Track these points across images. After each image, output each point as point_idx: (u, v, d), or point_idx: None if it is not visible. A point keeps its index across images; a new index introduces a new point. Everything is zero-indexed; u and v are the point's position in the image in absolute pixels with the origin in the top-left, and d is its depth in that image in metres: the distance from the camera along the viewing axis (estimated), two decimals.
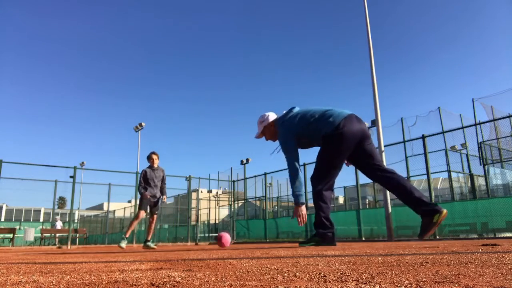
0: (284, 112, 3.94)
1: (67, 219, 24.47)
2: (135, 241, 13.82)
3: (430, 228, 3.28)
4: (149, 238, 6.87)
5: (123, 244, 6.31)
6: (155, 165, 7.00)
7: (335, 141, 3.52)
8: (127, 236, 6.60)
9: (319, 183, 3.70)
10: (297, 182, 3.73)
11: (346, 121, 3.53)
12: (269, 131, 4.01)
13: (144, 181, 6.84)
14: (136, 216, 6.86)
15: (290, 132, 3.75)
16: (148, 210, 6.95)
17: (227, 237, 4.28)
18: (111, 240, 20.65)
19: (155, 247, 6.74)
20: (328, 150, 3.62)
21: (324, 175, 3.70)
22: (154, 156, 7.04)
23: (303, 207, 3.77)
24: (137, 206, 6.98)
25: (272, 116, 4.01)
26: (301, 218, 3.76)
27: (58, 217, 18.67)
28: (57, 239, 17.25)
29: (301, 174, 3.79)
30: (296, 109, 3.87)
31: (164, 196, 7.11)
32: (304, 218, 3.76)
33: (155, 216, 7.06)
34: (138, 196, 7.00)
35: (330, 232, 3.70)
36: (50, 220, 21.68)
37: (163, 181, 7.11)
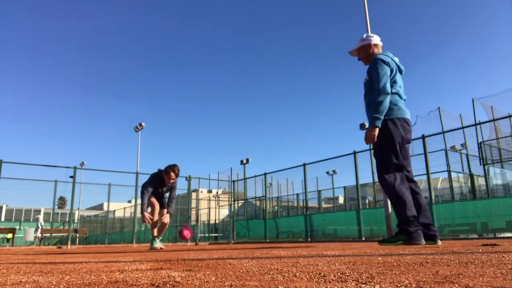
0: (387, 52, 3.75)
1: (67, 219, 24.47)
2: (135, 241, 13.82)
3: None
4: (158, 236, 5.92)
5: (156, 245, 5.73)
6: (169, 183, 5.76)
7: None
8: (155, 235, 5.83)
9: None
10: (384, 105, 3.39)
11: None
12: (365, 51, 3.79)
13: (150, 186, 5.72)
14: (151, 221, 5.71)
15: (385, 61, 3.53)
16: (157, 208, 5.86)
17: (186, 232, 4.39)
18: (111, 240, 20.66)
19: (163, 247, 5.93)
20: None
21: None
22: (172, 174, 5.64)
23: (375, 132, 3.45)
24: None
25: (375, 40, 3.81)
26: (371, 140, 3.45)
27: (39, 216, 18.56)
28: (38, 239, 17.06)
29: (389, 99, 3.44)
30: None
31: (167, 215, 5.83)
32: (374, 140, 3.45)
33: (164, 211, 5.85)
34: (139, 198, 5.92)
35: (419, 229, 3.33)
36: (50, 220, 21.67)
37: (171, 194, 5.96)
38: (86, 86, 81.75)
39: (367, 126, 3.59)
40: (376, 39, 3.81)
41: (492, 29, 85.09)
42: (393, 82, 3.52)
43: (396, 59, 3.70)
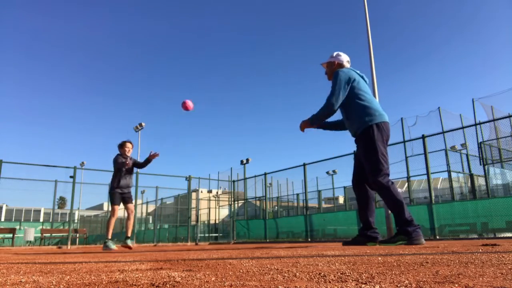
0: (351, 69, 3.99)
1: (67, 219, 24.47)
2: (135, 241, 13.81)
3: (357, 245, 3.67)
4: (128, 235, 6.24)
5: (111, 245, 5.91)
6: (129, 154, 6.32)
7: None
8: (109, 237, 6.12)
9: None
10: (326, 111, 3.73)
11: None
12: (330, 68, 4.04)
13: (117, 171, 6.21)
14: (111, 213, 6.24)
15: (347, 76, 3.77)
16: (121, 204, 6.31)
17: (188, 103, 4.58)
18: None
19: (132, 245, 6.16)
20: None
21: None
22: (129, 145, 6.33)
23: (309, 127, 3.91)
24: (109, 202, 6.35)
25: (342, 59, 4.04)
26: (302, 129, 3.89)
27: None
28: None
29: (332, 110, 3.74)
30: (358, 81, 3.87)
31: (130, 205, 6.29)
32: (303, 128, 3.89)
33: (130, 206, 6.27)
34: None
35: (418, 229, 3.43)
36: (50, 220, 21.67)
37: (136, 164, 6.46)
38: (86, 86, 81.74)
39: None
40: (343, 59, 4.04)
41: (492, 29, 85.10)
42: (362, 90, 3.77)
43: (358, 71, 3.97)
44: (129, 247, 5.90)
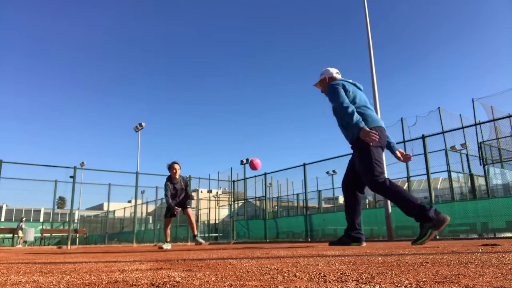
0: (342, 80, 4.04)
1: (67, 219, 24.47)
2: (135, 241, 13.82)
3: (342, 245, 3.86)
4: (195, 233, 6.75)
5: (167, 246, 6.20)
6: (177, 176, 6.61)
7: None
8: (168, 240, 6.47)
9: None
10: (354, 114, 3.61)
11: None
12: (323, 85, 4.11)
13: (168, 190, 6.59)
14: (165, 223, 6.71)
15: (340, 85, 3.84)
16: (178, 211, 6.67)
17: (256, 162, 4.73)
18: (111, 240, 20.65)
19: (202, 241, 6.61)
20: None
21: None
22: (176, 166, 6.63)
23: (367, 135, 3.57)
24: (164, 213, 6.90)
25: (331, 72, 4.12)
26: (373, 137, 3.48)
27: (23, 222, 18.36)
28: (21, 240, 16.79)
29: (348, 107, 3.67)
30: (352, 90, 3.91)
31: (188, 209, 6.78)
32: (376, 137, 3.52)
33: (189, 211, 6.74)
34: (162, 200, 6.70)
35: (432, 208, 3.38)
36: (50, 220, 21.67)
37: (186, 189, 6.82)
38: (86, 86, 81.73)
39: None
40: (331, 72, 4.14)
41: (492, 29, 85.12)
42: (355, 98, 3.82)
43: (350, 80, 4.04)
44: (200, 243, 6.44)
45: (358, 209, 4.03)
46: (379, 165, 3.61)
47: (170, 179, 6.57)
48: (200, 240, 6.51)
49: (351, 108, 3.67)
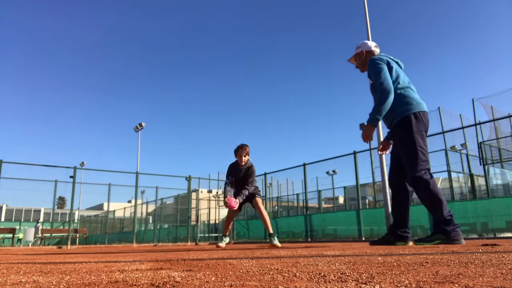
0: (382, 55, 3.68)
1: (67, 219, 24.47)
2: (135, 241, 13.81)
3: (386, 245, 3.43)
4: (270, 231, 5.18)
5: (223, 243, 5.33)
6: (243, 163, 5.33)
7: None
8: (227, 234, 5.53)
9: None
10: (387, 103, 3.31)
11: None
12: (359, 59, 3.78)
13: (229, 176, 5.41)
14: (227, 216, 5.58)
15: (383, 61, 3.48)
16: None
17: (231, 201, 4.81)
18: (111, 240, 20.65)
19: (278, 244, 5.01)
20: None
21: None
22: (241, 151, 5.30)
23: (373, 128, 3.41)
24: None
25: (369, 46, 3.76)
26: (368, 138, 3.40)
27: (39, 223, 18.55)
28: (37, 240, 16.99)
29: (392, 97, 3.33)
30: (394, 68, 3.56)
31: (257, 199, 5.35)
32: (368, 136, 3.40)
33: (257, 201, 5.31)
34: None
35: (457, 227, 3.21)
36: (50, 220, 21.66)
37: (249, 178, 5.36)
38: (86, 86, 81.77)
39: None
40: (369, 45, 3.77)
41: (492, 29, 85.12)
42: (398, 78, 3.47)
43: (391, 57, 3.67)
44: (275, 246, 4.92)
45: (408, 204, 3.53)
46: (423, 153, 3.31)
47: (235, 166, 5.42)
48: (276, 241, 5.00)
49: (391, 96, 3.31)
